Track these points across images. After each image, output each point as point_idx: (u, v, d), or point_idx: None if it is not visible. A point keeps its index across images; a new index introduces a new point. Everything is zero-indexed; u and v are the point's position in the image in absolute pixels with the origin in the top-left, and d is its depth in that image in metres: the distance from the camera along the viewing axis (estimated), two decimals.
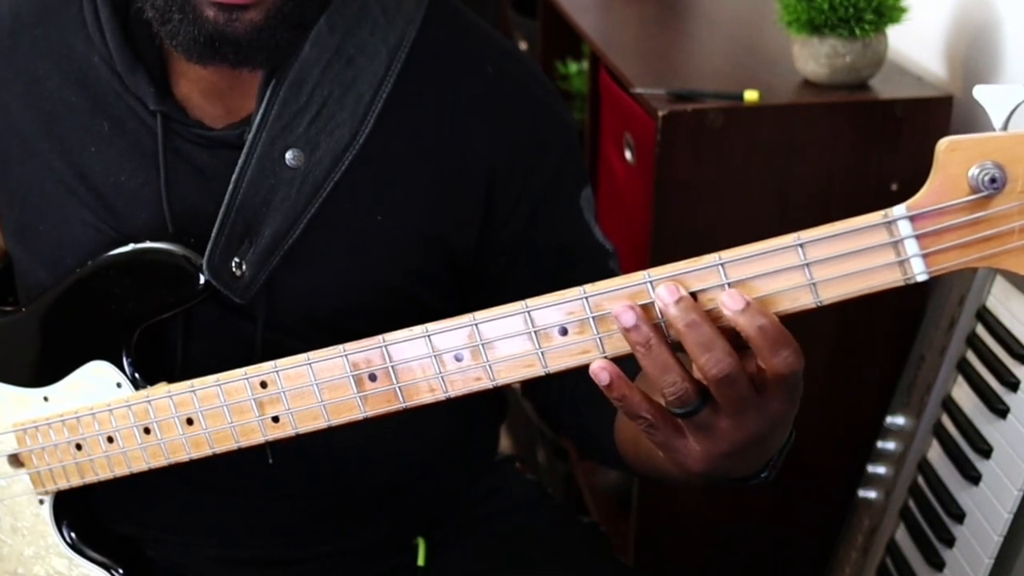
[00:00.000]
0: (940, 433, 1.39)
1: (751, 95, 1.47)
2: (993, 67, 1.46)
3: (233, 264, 0.98)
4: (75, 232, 1.04)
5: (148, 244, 1.00)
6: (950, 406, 1.38)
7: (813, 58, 1.51)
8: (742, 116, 1.47)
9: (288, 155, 0.98)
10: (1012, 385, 1.27)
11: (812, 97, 1.51)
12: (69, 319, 1.03)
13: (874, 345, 1.60)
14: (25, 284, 1.11)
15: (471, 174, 1.05)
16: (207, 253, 0.97)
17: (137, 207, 1.03)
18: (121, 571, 1.07)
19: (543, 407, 1.17)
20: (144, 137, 1.03)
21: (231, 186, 0.98)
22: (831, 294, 0.75)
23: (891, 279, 0.74)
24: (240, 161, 0.98)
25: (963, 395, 1.37)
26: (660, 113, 1.45)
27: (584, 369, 0.80)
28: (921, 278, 0.74)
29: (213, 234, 0.98)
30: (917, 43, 1.63)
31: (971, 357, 1.36)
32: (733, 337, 0.76)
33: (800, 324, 1.65)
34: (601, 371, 0.77)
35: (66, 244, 1.04)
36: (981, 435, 1.31)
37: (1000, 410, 1.28)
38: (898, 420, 1.49)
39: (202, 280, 0.98)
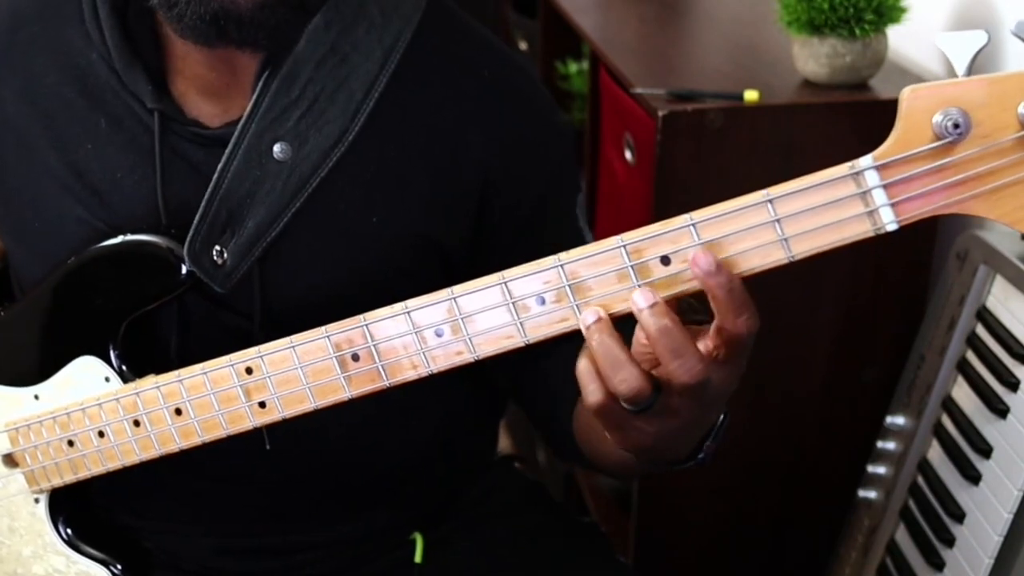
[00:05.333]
0: (940, 433, 1.39)
1: (751, 95, 1.47)
2: (993, 67, 1.46)
3: (214, 252, 0.99)
4: (70, 229, 1.04)
5: (130, 236, 1.01)
6: (950, 406, 1.38)
7: (813, 58, 1.51)
8: (742, 116, 1.47)
9: (276, 148, 0.99)
10: (1012, 385, 1.27)
11: (812, 97, 1.51)
12: (55, 316, 1.04)
13: (874, 345, 1.60)
14: (21, 282, 1.12)
15: (465, 178, 1.06)
16: (188, 239, 0.98)
17: (133, 204, 1.03)
18: (119, 566, 1.08)
19: (514, 383, 1.16)
20: (141, 135, 1.03)
21: (216, 174, 0.99)
22: (803, 248, 0.75)
23: (861, 230, 0.74)
24: (227, 150, 0.99)
25: (963, 395, 1.37)
26: (660, 113, 1.45)
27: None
28: (891, 227, 0.74)
29: (195, 220, 0.98)
30: (917, 43, 1.63)
31: (971, 357, 1.36)
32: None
33: (800, 324, 1.65)
34: (592, 313, 0.76)
35: (61, 241, 1.04)
36: (981, 435, 1.31)
37: (1000, 410, 1.28)
38: (898, 420, 1.49)
39: (184, 270, 0.99)
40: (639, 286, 0.77)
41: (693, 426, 0.83)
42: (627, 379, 0.76)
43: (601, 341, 0.76)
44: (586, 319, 0.77)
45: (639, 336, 0.80)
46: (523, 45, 2.71)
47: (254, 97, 0.99)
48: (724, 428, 0.88)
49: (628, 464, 0.92)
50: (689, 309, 0.80)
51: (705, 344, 0.77)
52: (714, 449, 0.88)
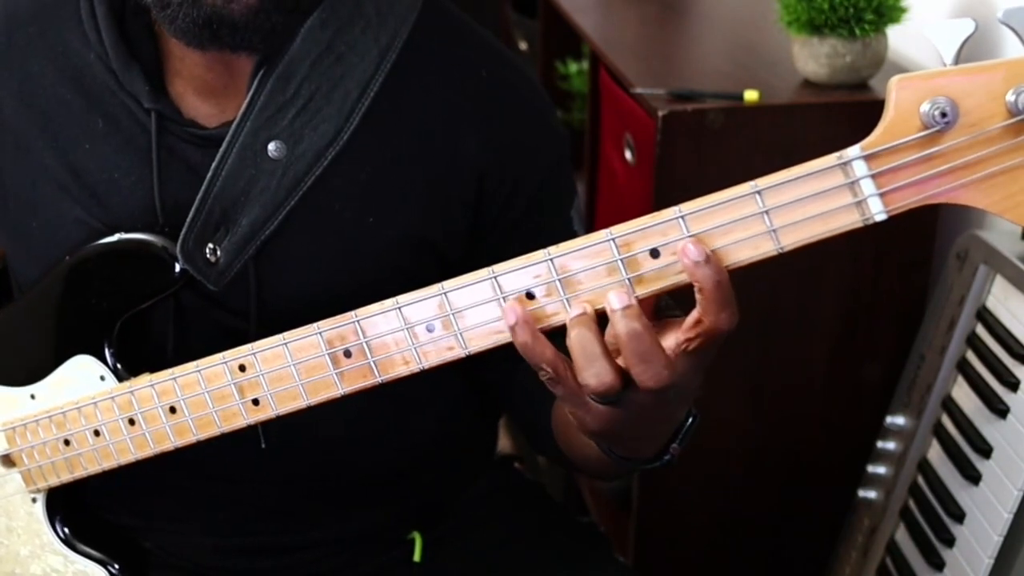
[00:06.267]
0: (940, 433, 1.39)
1: (751, 95, 1.47)
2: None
3: (207, 250, 0.99)
4: (68, 229, 1.04)
5: (123, 235, 1.01)
6: (950, 406, 1.38)
7: (813, 58, 1.51)
8: (742, 116, 1.47)
9: (271, 146, 0.99)
10: (1012, 385, 1.27)
11: (812, 97, 1.51)
12: (51, 315, 1.04)
13: (874, 345, 1.60)
14: (19, 282, 1.12)
15: (461, 178, 1.05)
16: (181, 237, 0.98)
17: (130, 204, 1.03)
18: (117, 566, 1.08)
19: (495, 381, 1.17)
20: (138, 135, 1.03)
21: (210, 172, 0.99)
22: (792, 239, 0.75)
23: (850, 220, 0.74)
24: (222, 149, 0.99)
25: (963, 395, 1.37)
26: (660, 113, 1.45)
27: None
28: (880, 218, 0.74)
29: (188, 218, 0.99)
30: (917, 43, 1.63)
31: (971, 357, 1.36)
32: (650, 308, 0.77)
33: (800, 324, 1.65)
34: (510, 311, 0.78)
35: (59, 241, 1.04)
36: (981, 435, 1.30)
37: (1000, 410, 1.28)
38: (898, 420, 1.49)
39: (177, 268, 0.99)
40: (628, 280, 0.77)
41: (657, 422, 0.84)
42: (599, 373, 0.77)
43: (580, 333, 0.77)
44: (572, 312, 0.78)
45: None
46: (523, 45, 2.71)
47: (249, 95, 0.99)
48: (691, 431, 0.89)
49: (601, 461, 0.93)
50: (666, 307, 0.80)
51: (676, 338, 0.77)
52: (679, 451, 0.89)
